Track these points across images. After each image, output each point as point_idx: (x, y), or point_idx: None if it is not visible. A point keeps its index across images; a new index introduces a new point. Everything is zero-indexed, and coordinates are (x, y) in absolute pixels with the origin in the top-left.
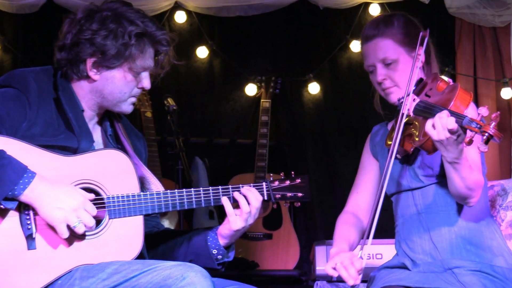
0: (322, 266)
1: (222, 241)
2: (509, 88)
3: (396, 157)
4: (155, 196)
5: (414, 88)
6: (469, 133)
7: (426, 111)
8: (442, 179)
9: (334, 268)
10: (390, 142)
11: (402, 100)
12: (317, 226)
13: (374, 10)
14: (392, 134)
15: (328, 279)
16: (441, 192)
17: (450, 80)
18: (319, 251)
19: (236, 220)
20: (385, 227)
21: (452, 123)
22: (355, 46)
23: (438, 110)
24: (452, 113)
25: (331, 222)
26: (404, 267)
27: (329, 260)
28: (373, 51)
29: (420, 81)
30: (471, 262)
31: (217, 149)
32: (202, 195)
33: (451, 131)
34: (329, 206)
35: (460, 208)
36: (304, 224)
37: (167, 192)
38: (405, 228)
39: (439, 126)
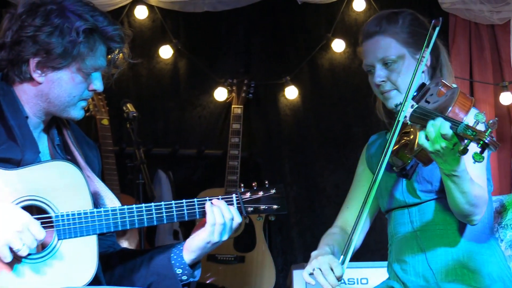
0: None
1: (188, 257)
2: (508, 93)
3: (393, 170)
4: (111, 212)
5: (415, 93)
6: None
7: (422, 117)
8: (441, 195)
9: (312, 274)
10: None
11: (400, 106)
12: (294, 248)
13: (359, 5)
14: (388, 140)
15: None
16: (440, 210)
17: (455, 85)
18: (297, 275)
19: (215, 230)
20: (372, 248)
21: (446, 128)
22: (338, 45)
23: (435, 116)
24: (448, 119)
25: (310, 243)
26: None
27: (307, 265)
28: (373, 49)
29: (422, 86)
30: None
31: (183, 161)
32: (164, 211)
33: (445, 137)
34: (308, 226)
35: (460, 227)
36: (281, 246)
37: (124, 208)
38: (399, 247)
39: (432, 134)
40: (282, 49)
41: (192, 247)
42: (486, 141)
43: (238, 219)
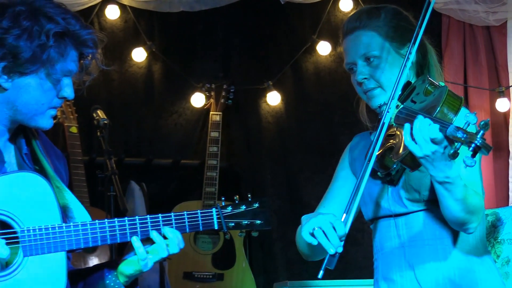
0: None
1: (124, 280)
2: (505, 99)
3: (377, 175)
4: (80, 228)
5: (400, 92)
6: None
7: (408, 119)
8: (431, 205)
9: (312, 234)
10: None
11: (384, 106)
12: (277, 265)
13: (346, 5)
14: (372, 143)
15: None
16: (429, 222)
17: (442, 83)
18: None
19: (147, 263)
20: (359, 265)
21: (435, 131)
22: (323, 48)
23: (422, 118)
24: (436, 121)
25: (294, 260)
26: None
27: (305, 223)
28: (354, 46)
29: (407, 84)
30: None
31: (157, 171)
32: (138, 226)
33: (434, 141)
34: (292, 241)
35: (451, 242)
36: (262, 262)
37: (95, 223)
38: (385, 264)
39: (420, 137)
40: (264, 51)
41: (129, 275)
42: (478, 143)
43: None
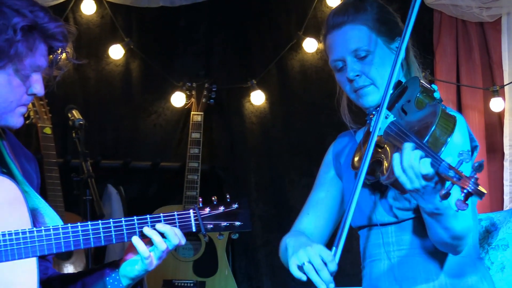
0: None
1: (126, 282)
2: (500, 98)
3: (365, 183)
4: (52, 232)
5: (391, 91)
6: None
7: (397, 138)
8: (420, 213)
9: (301, 268)
10: (358, 165)
11: (374, 113)
12: (261, 273)
13: (333, 0)
14: (360, 151)
15: None
16: (419, 231)
17: (435, 89)
18: None
19: (152, 261)
20: (348, 272)
21: (427, 167)
22: (309, 45)
23: (412, 141)
24: (428, 153)
25: (279, 268)
26: None
27: (293, 254)
28: (343, 41)
29: (398, 84)
30: None
31: (136, 174)
32: (112, 229)
33: (426, 178)
34: (277, 248)
35: (442, 252)
36: (246, 270)
37: (68, 227)
38: (374, 278)
39: (410, 171)
40: (247, 49)
41: (133, 276)
42: (471, 190)
43: (181, 241)
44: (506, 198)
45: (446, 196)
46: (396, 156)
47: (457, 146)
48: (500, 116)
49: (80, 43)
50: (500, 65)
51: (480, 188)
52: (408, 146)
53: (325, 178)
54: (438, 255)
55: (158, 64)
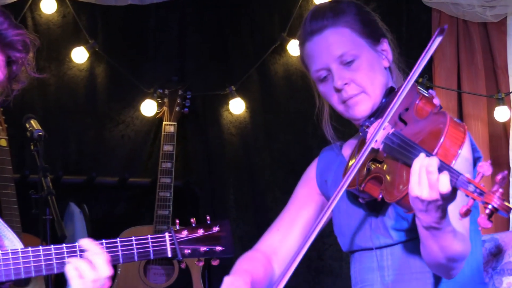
0: None
1: None
2: (505, 107)
3: (357, 201)
4: (11, 256)
5: (383, 100)
6: (463, 197)
7: (402, 152)
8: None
9: None
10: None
11: (368, 124)
12: None
13: None
14: (349, 169)
15: None
16: (416, 254)
17: (433, 95)
18: None
19: None
20: None
21: (446, 184)
22: (294, 47)
23: (419, 154)
24: (444, 168)
25: None
26: None
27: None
28: (325, 48)
29: (391, 90)
30: None
31: (101, 191)
32: (78, 254)
33: (442, 196)
34: None
35: (441, 277)
36: None
37: (28, 251)
38: None
39: (425, 184)
40: (226, 52)
41: None
42: (495, 206)
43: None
44: None
45: (467, 213)
46: (415, 166)
47: (465, 159)
48: (506, 126)
49: (38, 47)
50: (505, 70)
51: (507, 203)
52: (423, 155)
53: (301, 195)
54: (437, 280)
55: (126, 69)
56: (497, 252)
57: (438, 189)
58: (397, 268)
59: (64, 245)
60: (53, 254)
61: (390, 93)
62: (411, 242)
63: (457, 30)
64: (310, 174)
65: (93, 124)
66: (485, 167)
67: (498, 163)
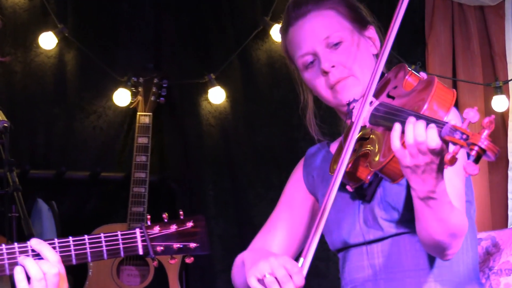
0: None
1: None
2: (503, 96)
3: (344, 189)
4: None
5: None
6: (450, 147)
7: (388, 117)
8: (412, 228)
9: (261, 281)
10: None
11: (355, 103)
12: None
13: None
14: (339, 156)
15: None
16: (411, 248)
17: (424, 74)
18: None
19: None
20: None
21: (434, 138)
22: (278, 32)
23: (407, 116)
24: (428, 119)
25: None
26: None
27: (252, 267)
28: (310, 31)
29: (381, 75)
30: None
31: (71, 187)
32: (30, 253)
33: (433, 152)
34: None
35: (437, 272)
36: None
37: None
38: None
39: (413, 145)
40: (205, 37)
41: None
42: (483, 146)
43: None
44: (510, 214)
45: (453, 160)
46: (397, 126)
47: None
48: (504, 116)
49: (4, 30)
50: (503, 57)
51: (494, 144)
52: (409, 120)
53: (291, 195)
54: (432, 278)
55: (98, 56)
56: (494, 251)
57: (426, 147)
58: (389, 266)
59: (16, 244)
60: (17, 251)
61: (381, 77)
62: (403, 236)
63: (452, 14)
64: (298, 173)
65: (63, 114)
66: (471, 113)
67: (497, 157)
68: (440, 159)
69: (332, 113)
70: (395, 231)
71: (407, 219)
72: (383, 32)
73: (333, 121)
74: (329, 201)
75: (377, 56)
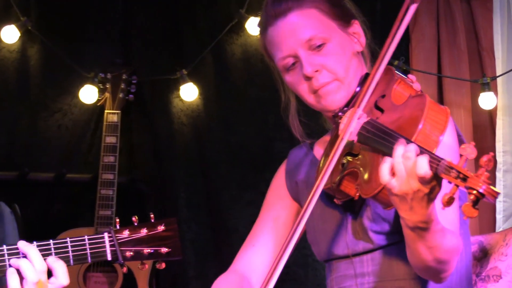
0: None
1: None
2: (491, 93)
3: (332, 202)
4: None
5: (357, 88)
6: (447, 184)
7: (378, 140)
8: (402, 238)
9: None
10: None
11: (341, 114)
12: None
13: None
14: (324, 167)
15: None
16: (401, 257)
17: (414, 80)
18: None
19: None
20: None
21: (424, 166)
22: (254, 26)
23: (397, 141)
24: (422, 149)
25: None
26: None
27: None
28: (291, 31)
29: (366, 77)
30: None
31: (35, 189)
32: (6, 258)
33: (422, 180)
34: (213, 280)
35: (428, 282)
36: None
37: None
38: None
39: (402, 170)
40: (176, 31)
41: None
42: (482, 190)
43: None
44: (498, 217)
45: (450, 202)
46: (388, 160)
47: (449, 146)
48: (492, 114)
49: None
50: (491, 52)
51: (493, 188)
52: (401, 142)
53: (273, 202)
54: (423, 286)
55: (63, 50)
56: (481, 256)
57: (416, 176)
58: (379, 275)
59: (4, 246)
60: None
61: (365, 80)
62: (394, 246)
63: (437, 7)
64: (280, 177)
65: (26, 112)
66: (468, 149)
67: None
68: (430, 189)
69: (315, 112)
70: (386, 243)
71: (398, 229)
72: (367, 25)
73: (317, 120)
74: (306, 214)
75: (362, 54)
